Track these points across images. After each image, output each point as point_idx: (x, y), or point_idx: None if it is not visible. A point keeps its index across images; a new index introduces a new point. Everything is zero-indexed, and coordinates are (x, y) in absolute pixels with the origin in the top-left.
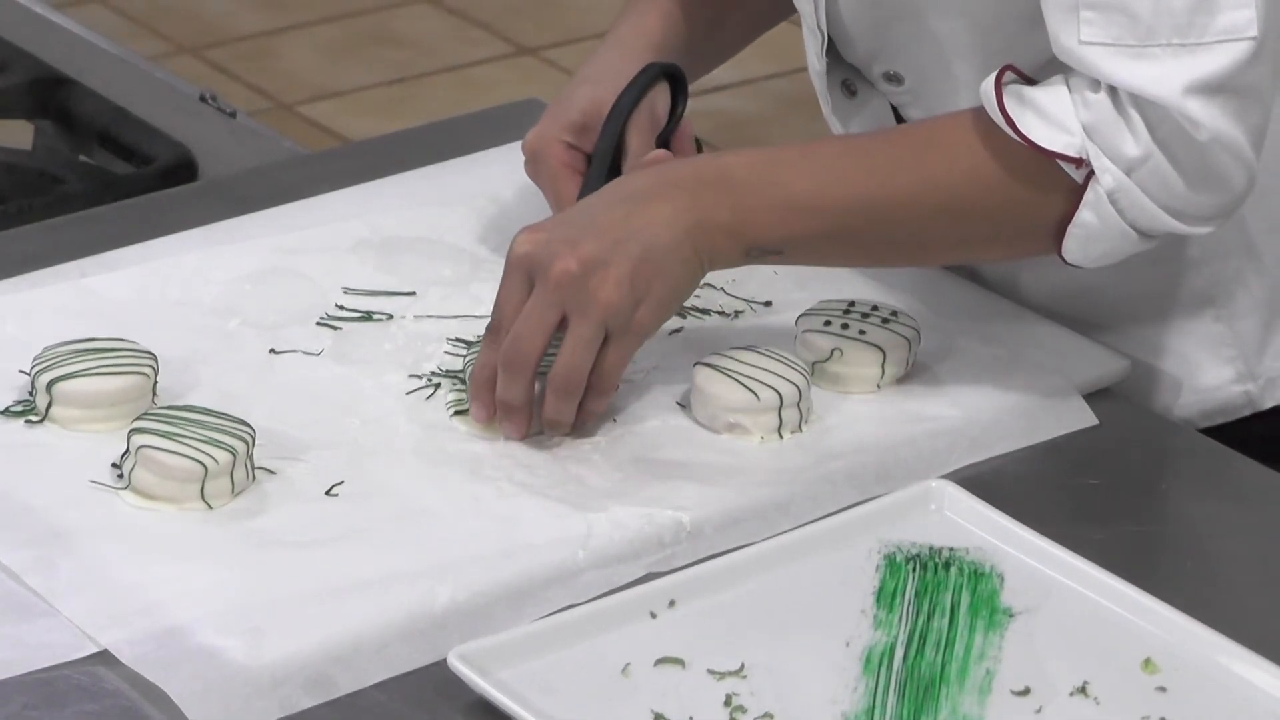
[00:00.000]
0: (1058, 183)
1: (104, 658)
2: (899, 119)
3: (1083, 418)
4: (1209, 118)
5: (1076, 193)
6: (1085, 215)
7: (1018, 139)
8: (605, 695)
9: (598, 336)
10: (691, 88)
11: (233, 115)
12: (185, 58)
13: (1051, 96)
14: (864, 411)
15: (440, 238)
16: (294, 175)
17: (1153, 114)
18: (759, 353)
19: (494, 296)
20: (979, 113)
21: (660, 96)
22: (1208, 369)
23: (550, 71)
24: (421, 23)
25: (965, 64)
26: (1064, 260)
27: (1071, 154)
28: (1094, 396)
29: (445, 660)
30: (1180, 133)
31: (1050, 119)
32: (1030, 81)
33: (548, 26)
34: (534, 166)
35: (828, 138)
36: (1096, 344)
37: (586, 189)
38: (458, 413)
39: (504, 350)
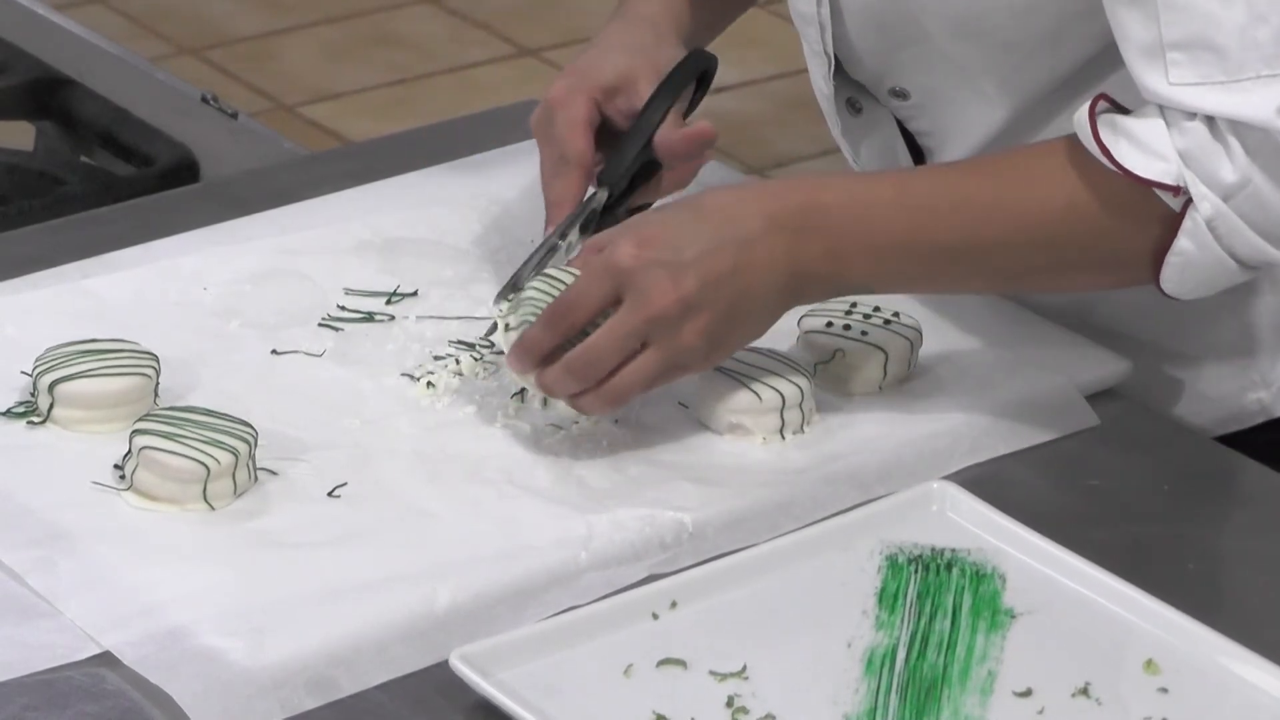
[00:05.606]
0: (1155, 211)
1: (106, 659)
2: (905, 133)
3: (1084, 418)
4: None
5: (1174, 221)
6: (1183, 243)
7: (1114, 168)
8: (607, 696)
9: (658, 368)
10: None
11: (234, 116)
12: (186, 59)
13: (1146, 125)
14: (866, 412)
15: (441, 239)
16: (295, 176)
17: (1250, 137)
18: (761, 354)
19: (493, 297)
20: (1072, 143)
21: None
22: (1221, 377)
23: (550, 72)
24: (422, 24)
25: (980, 82)
26: (1162, 290)
27: (1168, 182)
28: (1096, 397)
29: (447, 661)
30: (1279, 154)
31: (1146, 147)
32: (1123, 110)
33: (548, 27)
34: (550, 116)
35: (919, 171)
36: (1097, 345)
37: (614, 164)
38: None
39: (576, 358)
